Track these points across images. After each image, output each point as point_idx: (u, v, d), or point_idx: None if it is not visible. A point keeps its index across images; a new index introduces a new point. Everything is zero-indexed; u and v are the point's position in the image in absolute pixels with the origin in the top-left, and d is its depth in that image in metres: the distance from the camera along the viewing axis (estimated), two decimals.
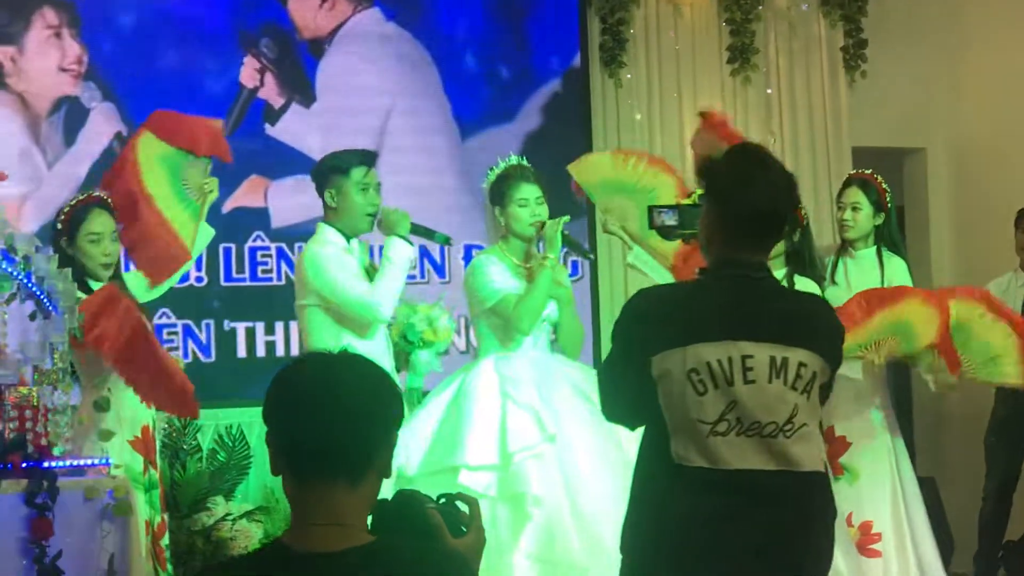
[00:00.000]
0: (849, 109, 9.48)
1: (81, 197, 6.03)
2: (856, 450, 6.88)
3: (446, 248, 8.24)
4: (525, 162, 6.37)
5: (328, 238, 6.10)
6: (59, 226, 5.91)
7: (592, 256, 6.38)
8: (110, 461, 5.21)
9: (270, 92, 8.49)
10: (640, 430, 4.02)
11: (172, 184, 6.20)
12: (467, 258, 8.41)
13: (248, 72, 8.45)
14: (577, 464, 5.88)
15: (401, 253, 6.07)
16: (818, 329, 3.92)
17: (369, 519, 2.79)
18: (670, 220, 5.09)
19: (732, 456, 3.76)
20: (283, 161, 8.39)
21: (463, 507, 2.97)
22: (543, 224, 6.20)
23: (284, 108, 8.52)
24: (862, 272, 7.09)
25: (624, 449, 5.88)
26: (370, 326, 6.03)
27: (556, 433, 5.88)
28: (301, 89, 8.55)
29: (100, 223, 5.91)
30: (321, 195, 6.16)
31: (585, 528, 5.76)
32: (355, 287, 5.98)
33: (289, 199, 8.36)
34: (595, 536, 5.71)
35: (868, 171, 7.28)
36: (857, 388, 6.77)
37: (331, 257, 6.03)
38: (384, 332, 6.19)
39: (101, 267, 5.92)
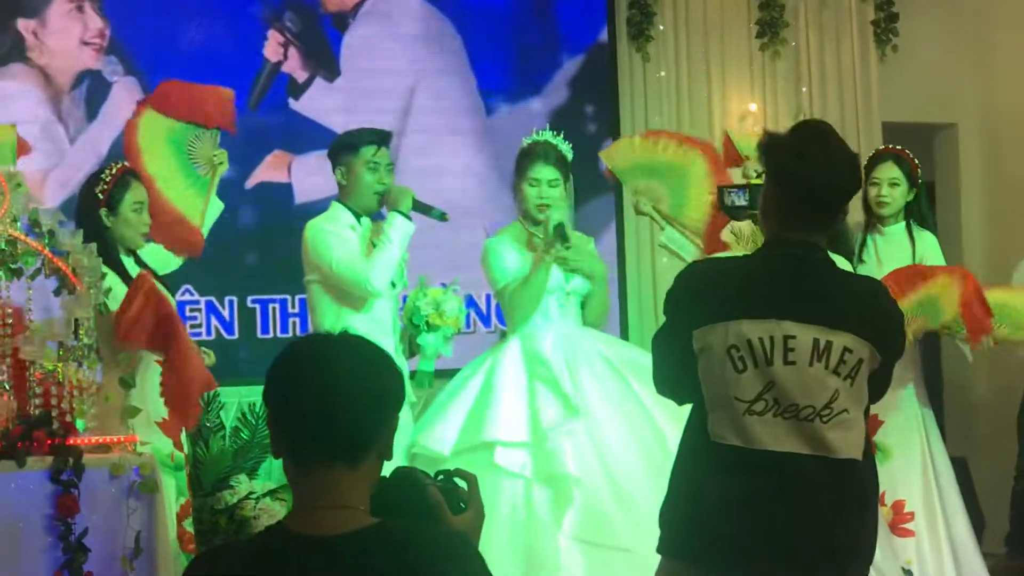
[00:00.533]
0: (879, 84, 9.39)
1: (117, 166, 5.93)
2: (888, 428, 6.82)
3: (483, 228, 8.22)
4: (557, 138, 6.32)
5: (335, 215, 6.16)
6: (100, 196, 5.80)
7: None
8: (136, 438, 5.16)
9: (294, 66, 8.43)
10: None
11: (178, 161, 6.21)
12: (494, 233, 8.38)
13: (272, 46, 8.39)
14: (608, 442, 5.86)
15: (400, 229, 6.08)
16: (870, 314, 3.81)
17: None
18: (740, 200, 5.04)
19: (767, 437, 3.71)
20: (307, 136, 8.34)
21: (461, 483, 2.95)
22: (544, 207, 6.22)
23: (308, 82, 8.46)
24: (893, 248, 7.02)
25: (658, 426, 5.86)
26: (366, 301, 6.06)
27: (581, 407, 5.87)
28: (325, 63, 8.49)
29: (141, 192, 5.85)
30: (334, 173, 6.18)
31: (628, 508, 5.73)
32: (348, 260, 6.01)
33: (313, 174, 8.29)
34: (637, 516, 5.68)
35: (898, 146, 7.20)
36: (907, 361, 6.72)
37: (330, 232, 6.08)
38: (390, 310, 6.20)
39: (141, 236, 5.86)
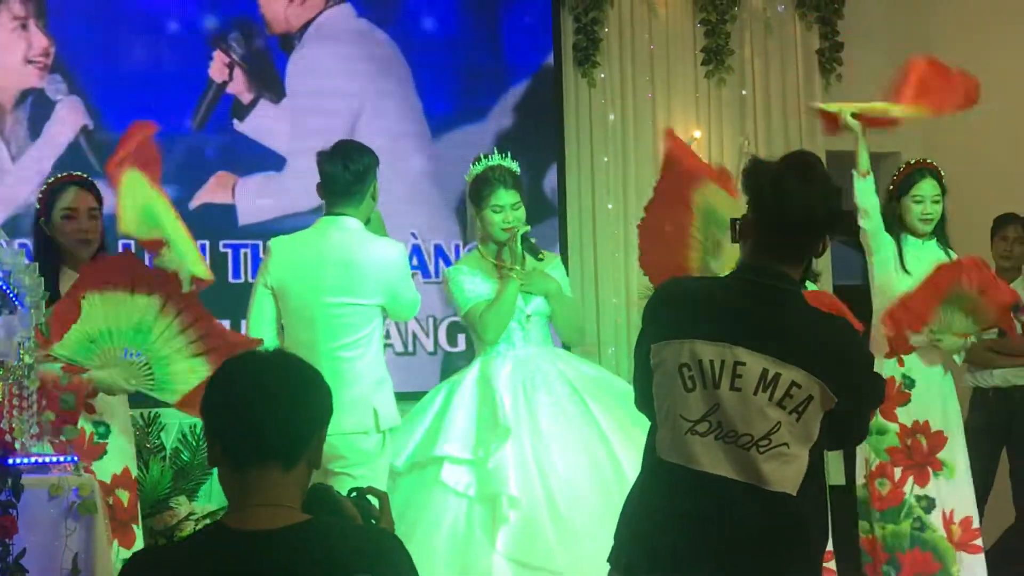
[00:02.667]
0: None
1: (61, 175, 5.85)
2: (952, 444, 6.84)
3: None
4: (508, 161, 6.33)
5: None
6: (38, 203, 5.74)
7: (542, 257, 6.40)
8: (76, 459, 5.11)
9: (239, 87, 8.41)
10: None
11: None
12: (438, 255, 8.41)
13: (217, 67, 8.37)
14: (554, 465, 5.89)
15: None
16: (827, 353, 3.76)
17: None
18: None
19: (705, 458, 3.71)
20: (251, 157, 8.32)
21: (373, 501, 3.12)
22: (512, 230, 6.25)
23: (253, 104, 8.44)
24: (927, 262, 6.90)
25: (614, 451, 5.90)
26: None
27: (529, 430, 5.90)
28: (270, 85, 8.47)
29: (74, 198, 5.69)
30: (361, 193, 6.00)
31: (564, 532, 5.75)
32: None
33: (256, 196, 8.28)
34: (573, 540, 5.70)
35: (928, 160, 7.15)
36: (950, 382, 6.86)
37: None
38: None
39: (77, 243, 5.71)
